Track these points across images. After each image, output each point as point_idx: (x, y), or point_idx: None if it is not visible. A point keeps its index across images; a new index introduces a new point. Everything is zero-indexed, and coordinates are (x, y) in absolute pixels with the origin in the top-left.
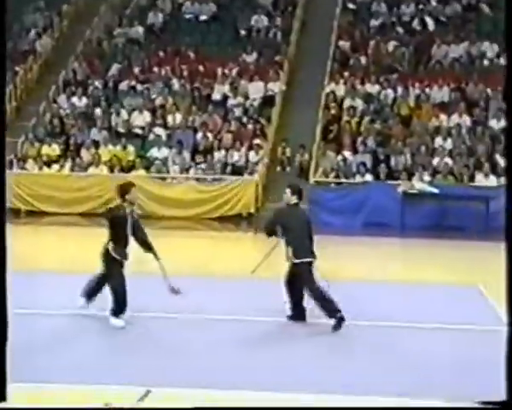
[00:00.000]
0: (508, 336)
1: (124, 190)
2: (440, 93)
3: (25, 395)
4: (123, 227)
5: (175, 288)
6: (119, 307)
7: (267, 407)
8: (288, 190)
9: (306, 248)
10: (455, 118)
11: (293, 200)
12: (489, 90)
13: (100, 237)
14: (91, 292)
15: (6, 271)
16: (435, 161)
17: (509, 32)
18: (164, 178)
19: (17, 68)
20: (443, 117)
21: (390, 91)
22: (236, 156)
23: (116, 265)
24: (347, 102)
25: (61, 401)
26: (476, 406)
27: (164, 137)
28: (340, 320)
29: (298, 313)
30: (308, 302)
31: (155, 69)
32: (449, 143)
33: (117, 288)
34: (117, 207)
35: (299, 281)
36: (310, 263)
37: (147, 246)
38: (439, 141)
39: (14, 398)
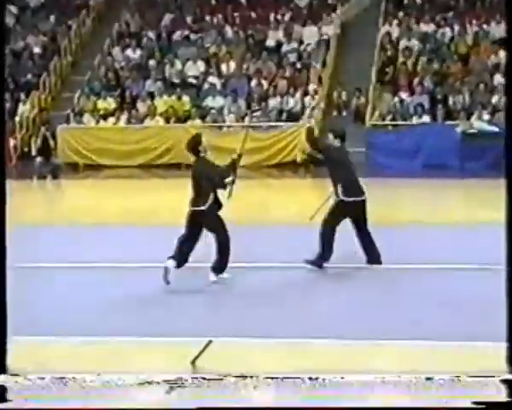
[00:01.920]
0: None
1: (195, 143)
2: (499, 29)
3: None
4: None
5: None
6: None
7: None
8: (330, 135)
9: (357, 187)
10: None
11: (336, 143)
12: None
13: (158, 188)
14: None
15: (6, 267)
16: (494, 98)
17: (509, 32)
18: (220, 127)
19: (70, 22)
20: (502, 53)
21: (447, 30)
22: (292, 102)
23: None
24: (403, 43)
25: (127, 352)
26: (476, 406)
27: (218, 86)
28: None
29: (325, 252)
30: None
31: (208, 18)
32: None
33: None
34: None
35: (355, 218)
36: (362, 201)
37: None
38: (498, 78)
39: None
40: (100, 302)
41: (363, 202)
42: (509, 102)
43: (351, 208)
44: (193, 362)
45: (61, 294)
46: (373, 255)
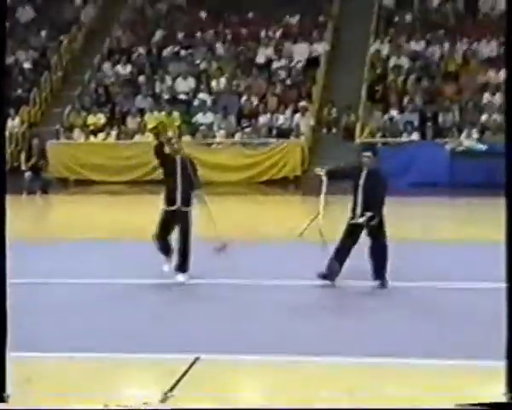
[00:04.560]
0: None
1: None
2: (488, 48)
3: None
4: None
5: (220, 246)
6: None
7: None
8: (369, 154)
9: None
10: (503, 73)
11: (374, 162)
12: None
13: (148, 204)
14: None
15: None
16: (484, 117)
17: (509, 32)
18: (210, 144)
19: (61, 38)
20: (491, 72)
21: (436, 48)
22: (282, 119)
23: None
24: (393, 61)
25: (107, 368)
26: (476, 408)
27: (209, 103)
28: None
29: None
30: None
31: (198, 34)
32: (498, 99)
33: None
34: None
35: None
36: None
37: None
38: (487, 97)
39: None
40: (85, 317)
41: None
42: (508, 121)
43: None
44: (178, 381)
45: (46, 309)
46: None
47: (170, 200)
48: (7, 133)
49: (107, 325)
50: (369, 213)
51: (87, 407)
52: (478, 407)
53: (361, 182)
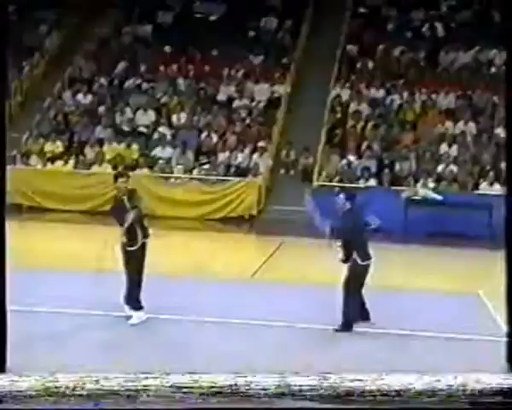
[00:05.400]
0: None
1: (116, 175)
2: (446, 100)
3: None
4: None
5: None
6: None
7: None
8: (340, 196)
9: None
10: (460, 125)
11: (347, 205)
12: (495, 98)
13: (101, 235)
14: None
15: (6, 266)
16: (440, 167)
17: (508, 37)
18: (167, 178)
19: (23, 63)
20: (448, 124)
21: (396, 97)
22: (240, 158)
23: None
24: (353, 107)
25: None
26: (478, 408)
27: (168, 137)
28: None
29: (364, 314)
30: None
31: (161, 68)
32: (454, 150)
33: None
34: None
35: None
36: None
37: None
38: (444, 148)
39: None
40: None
41: (369, 265)
42: (509, 175)
43: (365, 272)
44: None
45: None
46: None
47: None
48: None
49: (54, 353)
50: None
51: (86, 407)
52: (479, 407)
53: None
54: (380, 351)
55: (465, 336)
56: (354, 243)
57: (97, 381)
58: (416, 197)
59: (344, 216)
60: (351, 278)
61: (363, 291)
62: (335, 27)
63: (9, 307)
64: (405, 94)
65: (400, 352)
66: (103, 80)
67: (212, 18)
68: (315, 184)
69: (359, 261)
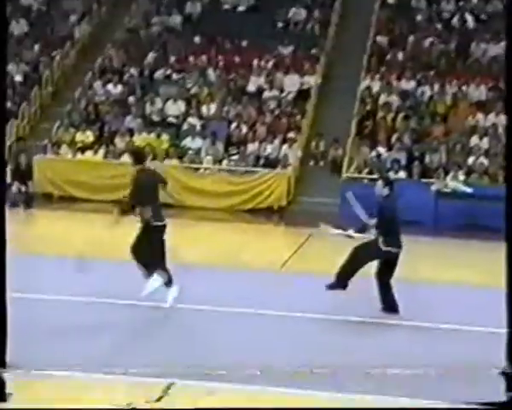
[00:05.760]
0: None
1: (141, 156)
2: (477, 92)
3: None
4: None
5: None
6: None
7: (276, 407)
8: (379, 183)
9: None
10: (491, 117)
11: (385, 191)
12: None
13: (129, 225)
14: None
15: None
16: (470, 160)
17: (509, 32)
18: (197, 169)
19: (54, 53)
20: (480, 116)
21: (426, 88)
22: (270, 149)
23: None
24: (383, 98)
25: (84, 388)
26: (476, 407)
27: (198, 128)
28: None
29: (391, 304)
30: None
31: (191, 59)
32: (485, 143)
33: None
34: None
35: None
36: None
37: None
38: (475, 140)
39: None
40: (52, 333)
41: (399, 253)
42: (508, 170)
43: (387, 256)
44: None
45: (20, 324)
46: (388, 304)
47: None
48: None
49: (82, 345)
50: None
51: (88, 407)
52: (479, 407)
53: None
54: (409, 343)
55: (491, 330)
56: (393, 229)
57: None
58: (446, 190)
59: (383, 202)
60: (385, 268)
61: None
62: (365, 18)
63: (37, 295)
64: (436, 86)
65: (424, 344)
66: (133, 70)
67: (241, 8)
68: (344, 175)
69: (381, 245)
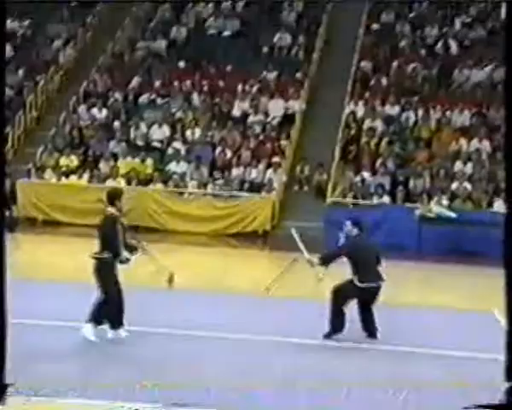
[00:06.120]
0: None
1: (113, 196)
2: (461, 117)
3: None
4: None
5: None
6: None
7: None
8: (348, 223)
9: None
10: (475, 143)
11: (355, 231)
12: None
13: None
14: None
15: (5, 278)
16: (454, 185)
17: (508, 40)
18: (181, 193)
19: (38, 78)
20: (463, 141)
21: (410, 114)
22: (254, 173)
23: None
24: (367, 123)
25: None
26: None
27: (182, 152)
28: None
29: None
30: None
31: (176, 83)
32: (468, 168)
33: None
34: (106, 218)
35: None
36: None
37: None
38: (458, 165)
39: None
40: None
41: (379, 287)
42: (508, 194)
43: (364, 292)
44: None
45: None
46: (372, 331)
47: None
48: None
49: (69, 369)
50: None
51: (87, 407)
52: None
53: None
54: (384, 367)
55: (479, 355)
56: (368, 265)
57: None
58: (430, 215)
59: (353, 242)
60: (340, 290)
61: (374, 310)
62: (349, 43)
63: (21, 320)
64: (420, 111)
65: (406, 368)
66: (118, 95)
67: (226, 34)
68: (329, 200)
69: (357, 282)
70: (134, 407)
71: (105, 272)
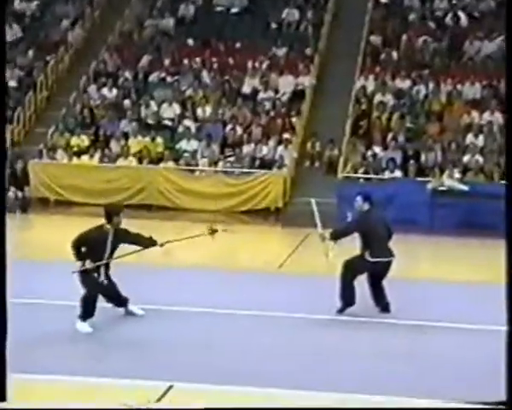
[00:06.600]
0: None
1: (112, 213)
2: (472, 90)
3: (31, 388)
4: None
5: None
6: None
7: (274, 407)
8: (358, 198)
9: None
10: (486, 115)
11: (365, 207)
12: None
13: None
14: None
15: (6, 269)
16: (466, 158)
17: (509, 33)
18: (192, 171)
19: (48, 58)
20: (474, 114)
21: (421, 87)
22: (265, 150)
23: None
24: (378, 98)
25: (75, 395)
26: (476, 406)
27: (193, 130)
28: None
29: (384, 304)
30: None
31: (185, 61)
32: (480, 141)
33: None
34: (98, 229)
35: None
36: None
37: (146, 242)
38: (470, 138)
39: (20, 391)
40: (50, 337)
41: (390, 262)
42: (509, 166)
43: (376, 267)
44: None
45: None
46: (385, 305)
47: None
48: None
49: (83, 348)
50: None
51: (87, 407)
52: (479, 407)
53: None
54: (406, 341)
55: (488, 327)
56: (379, 240)
57: None
58: (442, 188)
59: (364, 216)
60: (351, 264)
61: (385, 284)
62: (358, 18)
63: (34, 300)
64: (431, 84)
65: (419, 342)
66: (128, 74)
67: (234, 10)
68: (340, 175)
69: (368, 257)
70: (144, 384)
71: (89, 279)
